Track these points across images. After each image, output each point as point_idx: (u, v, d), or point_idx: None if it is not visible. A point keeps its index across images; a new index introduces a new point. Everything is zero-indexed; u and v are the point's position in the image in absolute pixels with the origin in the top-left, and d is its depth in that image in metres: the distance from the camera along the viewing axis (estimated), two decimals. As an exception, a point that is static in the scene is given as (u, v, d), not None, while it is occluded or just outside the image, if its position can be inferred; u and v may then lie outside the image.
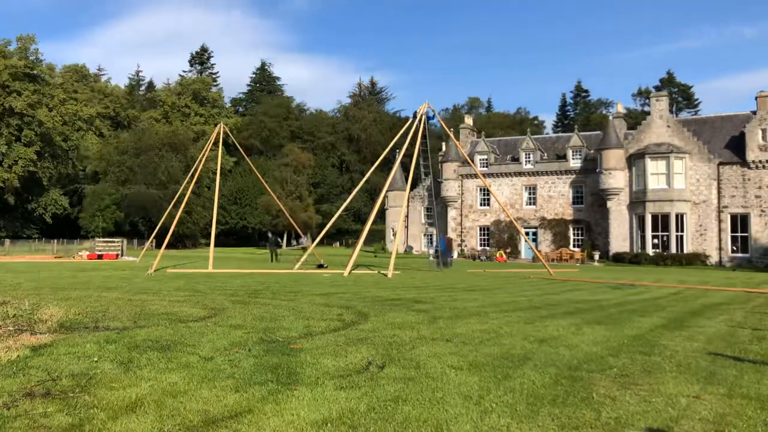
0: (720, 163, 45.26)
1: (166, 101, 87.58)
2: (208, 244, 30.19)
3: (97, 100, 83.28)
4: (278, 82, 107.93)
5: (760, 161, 44.02)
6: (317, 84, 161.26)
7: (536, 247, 41.67)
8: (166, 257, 34.51)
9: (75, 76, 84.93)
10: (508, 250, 52.82)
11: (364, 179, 30.42)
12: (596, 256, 46.96)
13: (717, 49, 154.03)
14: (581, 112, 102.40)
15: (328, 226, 29.15)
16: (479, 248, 54.31)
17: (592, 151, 51.54)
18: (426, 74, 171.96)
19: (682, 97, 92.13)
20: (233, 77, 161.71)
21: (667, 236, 44.63)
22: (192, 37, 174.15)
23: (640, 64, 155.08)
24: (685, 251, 44.08)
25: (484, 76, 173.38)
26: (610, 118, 51.02)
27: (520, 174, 54.83)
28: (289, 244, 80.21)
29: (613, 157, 47.49)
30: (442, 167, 56.49)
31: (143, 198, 65.35)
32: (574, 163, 52.67)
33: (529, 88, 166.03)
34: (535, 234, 52.64)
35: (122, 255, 38.17)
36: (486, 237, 55.28)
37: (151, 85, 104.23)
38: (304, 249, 27.68)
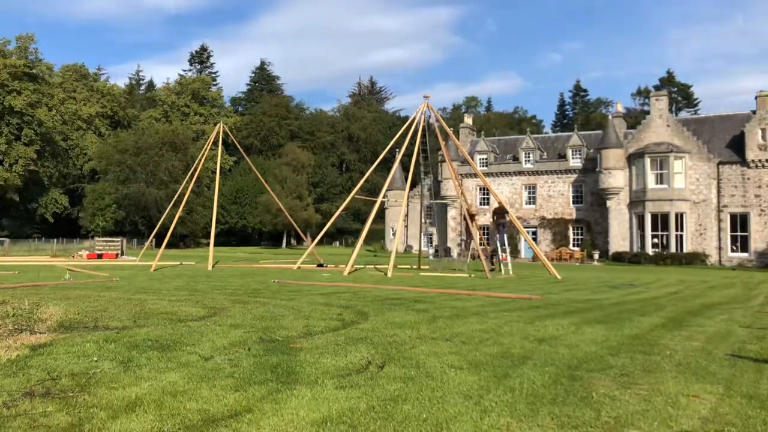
0: (719, 163, 45.29)
1: (165, 100, 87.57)
2: (209, 244, 30.21)
3: (95, 99, 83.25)
4: (278, 82, 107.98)
5: (760, 161, 44.04)
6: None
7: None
8: (166, 256, 34.51)
9: (74, 75, 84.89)
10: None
11: (364, 179, 30.42)
12: (596, 256, 46.99)
13: (717, 48, 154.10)
14: (580, 112, 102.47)
15: (327, 225, 29.15)
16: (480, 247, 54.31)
17: (591, 151, 51.57)
18: (426, 73, 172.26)
19: (681, 96, 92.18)
20: (233, 77, 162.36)
21: (667, 236, 44.65)
22: None
23: (640, 63, 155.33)
24: (684, 251, 44.10)
25: (483, 75, 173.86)
26: (610, 117, 51.06)
27: (519, 173, 54.87)
28: (288, 243, 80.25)
29: (613, 157, 47.51)
30: (441, 167, 56.52)
31: (143, 197, 65.35)
32: (574, 162, 52.69)
33: (528, 88, 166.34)
34: (534, 233, 52.66)
35: (122, 254, 38.19)
36: (486, 236, 55.22)
37: (150, 85, 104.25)
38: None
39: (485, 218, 55.38)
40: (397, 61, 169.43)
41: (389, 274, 21.12)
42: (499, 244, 25.13)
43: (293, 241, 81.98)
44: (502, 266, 24.63)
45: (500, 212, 25.81)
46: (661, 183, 45.28)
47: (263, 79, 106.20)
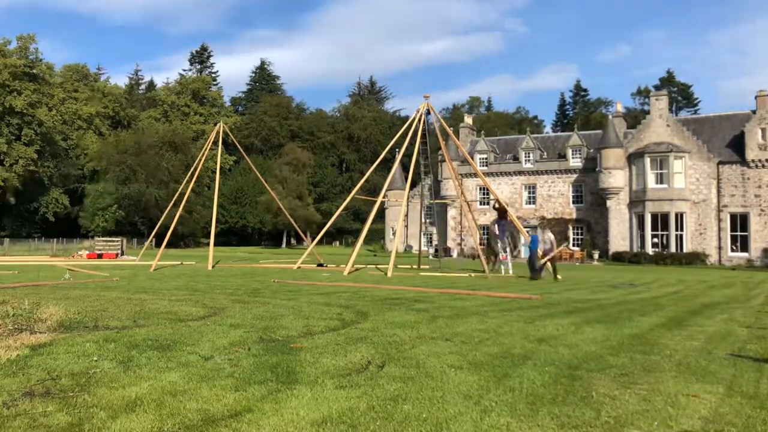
0: (719, 163, 45.28)
1: (165, 100, 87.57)
2: (209, 244, 30.20)
3: (96, 99, 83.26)
4: (278, 81, 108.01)
5: (760, 160, 44.04)
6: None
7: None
8: (166, 256, 34.50)
9: (75, 75, 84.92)
10: (508, 249, 52.80)
11: (364, 179, 30.41)
12: (596, 256, 47.00)
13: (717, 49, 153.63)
14: (580, 112, 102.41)
15: (327, 225, 29.15)
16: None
17: (591, 151, 51.57)
18: (426, 73, 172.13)
19: (681, 96, 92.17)
20: (233, 76, 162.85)
21: (667, 235, 44.65)
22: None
23: (640, 63, 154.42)
24: (684, 250, 44.09)
25: (483, 75, 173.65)
26: (610, 117, 51.07)
27: (519, 173, 54.86)
28: (288, 243, 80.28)
29: (613, 157, 47.50)
30: (441, 166, 56.52)
31: (143, 197, 65.37)
32: (574, 162, 52.69)
33: (529, 87, 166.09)
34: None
35: (122, 254, 38.18)
36: (486, 236, 55.22)
37: (151, 85, 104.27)
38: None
39: (485, 218, 55.37)
40: (445, 53, 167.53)
41: (389, 274, 21.12)
42: (500, 244, 25.02)
43: (293, 241, 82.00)
44: (502, 266, 24.57)
45: (499, 212, 25.58)
46: (661, 183, 45.27)
47: (263, 79, 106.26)
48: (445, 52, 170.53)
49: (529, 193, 54.62)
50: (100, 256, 35.61)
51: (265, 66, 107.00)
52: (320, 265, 27.42)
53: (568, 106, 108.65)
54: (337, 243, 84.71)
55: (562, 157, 53.65)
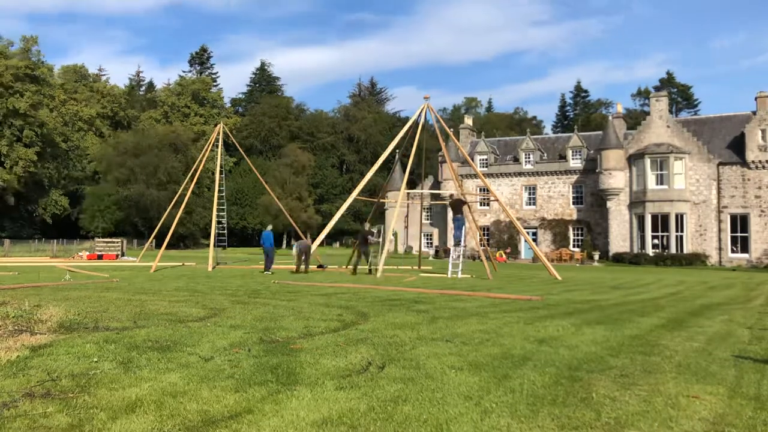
0: (720, 163, 45.29)
1: (165, 101, 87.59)
2: (209, 245, 30.18)
3: (96, 100, 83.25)
4: (278, 82, 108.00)
5: (760, 161, 44.05)
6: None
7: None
8: (166, 257, 34.49)
9: (74, 76, 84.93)
10: (508, 250, 52.85)
11: (365, 180, 30.38)
12: (596, 257, 47.00)
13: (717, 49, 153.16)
14: (581, 112, 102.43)
15: (328, 227, 29.10)
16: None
17: (592, 151, 51.59)
18: (427, 74, 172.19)
19: (681, 97, 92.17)
20: (233, 77, 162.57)
21: (667, 236, 44.65)
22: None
23: (640, 63, 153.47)
24: (684, 251, 44.10)
25: (484, 75, 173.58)
26: (610, 118, 51.07)
27: (520, 174, 54.87)
28: (288, 244, 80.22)
29: (613, 157, 47.52)
30: (441, 167, 56.55)
31: (143, 198, 65.34)
32: (574, 163, 52.70)
33: (529, 88, 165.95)
34: (534, 234, 52.67)
35: (122, 255, 38.18)
36: (488, 237, 55.26)
37: (151, 86, 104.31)
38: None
39: (485, 219, 55.36)
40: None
41: (377, 276, 21.10)
42: (454, 242, 23.28)
43: (293, 242, 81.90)
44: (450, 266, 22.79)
45: (455, 205, 23.53)
46: (661, 184, 45.28)
47: (263, 80, 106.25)
48: (551, 39, 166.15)
49: (530, 194, 54.63)
50: (100, 257, 35.59)
51: (265, 67, 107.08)
52: (320, 266, 27.43)
53: (568, 107, 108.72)
54: (337, 244, 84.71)
55: (563, 158, 53.67)
